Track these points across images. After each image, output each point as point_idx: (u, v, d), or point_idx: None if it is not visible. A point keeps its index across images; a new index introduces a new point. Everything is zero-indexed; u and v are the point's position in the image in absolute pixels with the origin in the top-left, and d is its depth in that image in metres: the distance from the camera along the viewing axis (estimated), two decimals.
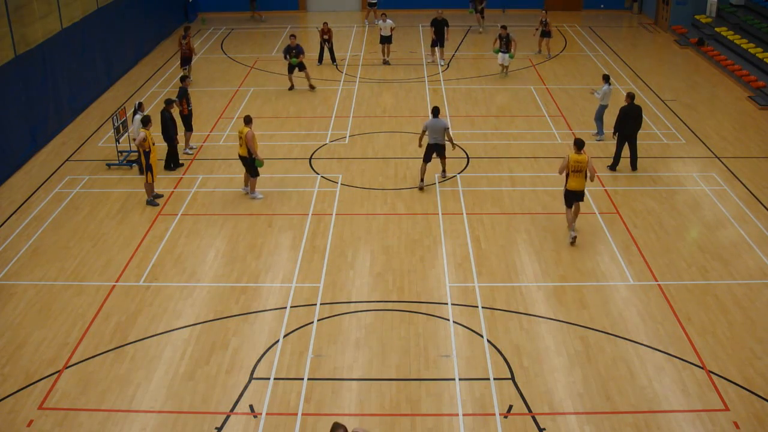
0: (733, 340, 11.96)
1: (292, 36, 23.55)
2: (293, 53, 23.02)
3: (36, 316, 12.75)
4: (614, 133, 17.82)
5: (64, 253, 14.67)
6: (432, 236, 15.04)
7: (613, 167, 17.83)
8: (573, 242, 14.56)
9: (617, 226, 15.37)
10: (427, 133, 16.72)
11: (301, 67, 23.37)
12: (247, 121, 16.14)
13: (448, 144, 16.93)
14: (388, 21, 26.57)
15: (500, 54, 24.51)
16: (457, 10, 32.54)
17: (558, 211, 16.00)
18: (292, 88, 23.85)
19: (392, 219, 15.77)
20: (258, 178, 16.55)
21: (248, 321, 12.52)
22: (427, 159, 16.88)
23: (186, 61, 24.64)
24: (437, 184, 17.24)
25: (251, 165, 16.23)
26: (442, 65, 26.19)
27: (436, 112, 16.79)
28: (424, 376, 11.19)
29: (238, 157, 16.71)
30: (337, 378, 11.19)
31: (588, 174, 14.43)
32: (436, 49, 26.45)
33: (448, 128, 16.68)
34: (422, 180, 16.90)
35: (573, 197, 14.62)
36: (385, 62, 26.72)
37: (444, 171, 17.38)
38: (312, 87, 23.75)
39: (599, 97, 19.24)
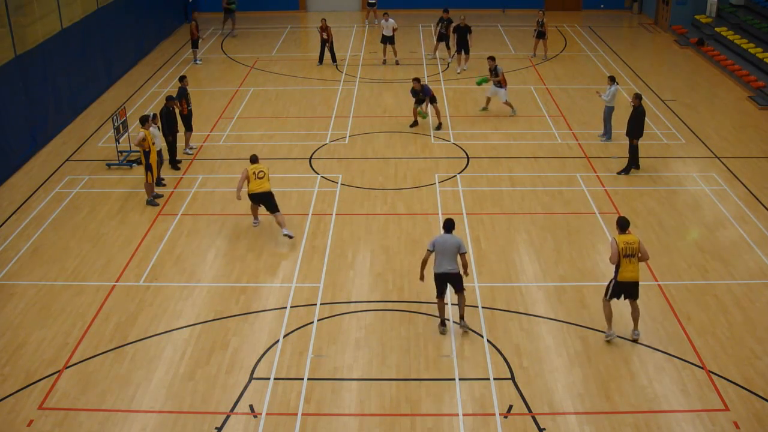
0: (733, 340, 11.96)
1: (415, 80, 20.33)
2: (419, 96, 20.25)
3: (36, 316, 12.75)
4: (634, 138, 17.23)
5: (64, 253, 14.67)
6: (432, 236, 15.00)
7: (627, 171, 17.67)
8: (636, 339, 11.85)
9: None
10: (434, 256, 11.91)
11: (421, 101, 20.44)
12: (255, 159, 15.11)
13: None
14: (390, 20, 26.15)
15: (492, 87, 21.34)
16: (459, 10, 32.51)
17: (558, 210, 16.00)
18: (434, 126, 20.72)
19: (392, 219, 15.77)
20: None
21: (248, 321, 12.52)
22: (441, 293, 12.00)
23: (192, 43, 26.86)
24: (437, 184, 17.23)
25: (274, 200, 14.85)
26: (465, 69, 25.70)
27: (449, 226, 11.93)
28: (424, 376, 11.19)
29: (253, 196, 14.79)
30: (337, 378, 11.19)
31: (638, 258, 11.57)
32: (461, 55, 25.72)
33: (464, 251, 11.81)
34: (443, 323, 12.12)
35: (625, 291, 11.62)
36: (384, 62, 26.62)
37: (462, 316, 12.09)
38: (439, 125, 20.62)
39: (606, 99, 19.10)
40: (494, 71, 21.05)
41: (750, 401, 10.66)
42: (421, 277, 12.14)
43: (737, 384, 10.98)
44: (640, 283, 11.74)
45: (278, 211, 14.81)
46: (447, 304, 12.38)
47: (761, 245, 14.69)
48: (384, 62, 26.72)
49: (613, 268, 11.73)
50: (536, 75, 25.38)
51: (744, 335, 12.07)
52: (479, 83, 21.85)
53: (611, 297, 11.68)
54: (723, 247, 14.65)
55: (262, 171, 14.67)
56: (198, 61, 27.06)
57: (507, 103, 21.30)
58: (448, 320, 12.29)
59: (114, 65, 25.04)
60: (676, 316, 12.53)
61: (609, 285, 11.69)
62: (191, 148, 19.26)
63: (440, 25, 26.45)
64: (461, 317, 12.06)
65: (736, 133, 20.28)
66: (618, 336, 11.83)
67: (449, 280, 11.87)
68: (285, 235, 14.68)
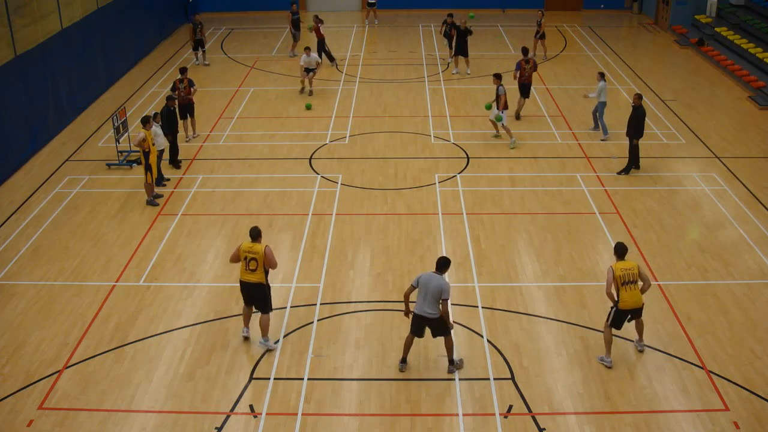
0: (733, 340, 11.96)
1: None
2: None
3: (36, 316, 12.75)
4: (634, 138, 17.18)
5: (64, 253, 14.67)
6: (432, 236, 15.04)
7: (627, 171, 17.68)
8: (642, 350, 11.62)
9: (617, 226, 15.36)
10: (417, 292, 10.89)
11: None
12: (257, 234, 11.54)
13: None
14: (313, 55, 23.04)
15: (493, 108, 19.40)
16: (459, 10, 32.52)
17: (558, 210, 16.00)
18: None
19: (392, 219, 15.77)
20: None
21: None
22: (416, 332, 11.05)
23: (194, 45, 26.64)
24: (437, 183, 17.23)
25: (267, 296, 11.66)
26: (469, 74, 25.09)
27: (441, 265, 10.84)
28: (424, 376, 11.18)
29: (242, 285, 11.69)
30: (337, 378, 11.19)
31: (641, 284, 11.10)
32: (460, 58, 25.15)
33: (446, 298, 10.71)
34: (404, 360, 11.26)
35: (628, 317, 11.24)
36: (309, 91, 23.36)
37: (451, 361, 11.20)
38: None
39: (596, 95, 19.19)
40: (496, 92, 18.92)
41: (750, 401, 10.66)
42: (406, 313, 11.11)
43: (737, 384, 10.98)
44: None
45: (268, 311, 11.69)
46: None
47: (761, 245, 14.69)
48: (310, 92, 23.32)
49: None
50: (536, 75, 25.34)
51: (744, 335, 12.07)
52: (488, 107, 19.69)
53: (613, 325, 11.22)
54: (723, 247, 14.65)
55: (254, 259, 11.34)
56: (196, 62, 26.88)
57: (504, 127, 19.19)
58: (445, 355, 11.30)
59: (114, 65, 25.03)
60: (676, 316, 12.53)
61: (610, 312, 11.23)
62: (195, 136, 19.47)
63: (444, 27, 26.36)
64: (450, 361, 11.17)
65: (736, 133, 20.28)
66: (618, 336, 11.81)
67: (428, 324, 10.82)
68: (262, 344, 11.80)
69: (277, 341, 11.93)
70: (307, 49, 23.13)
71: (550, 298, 13.05)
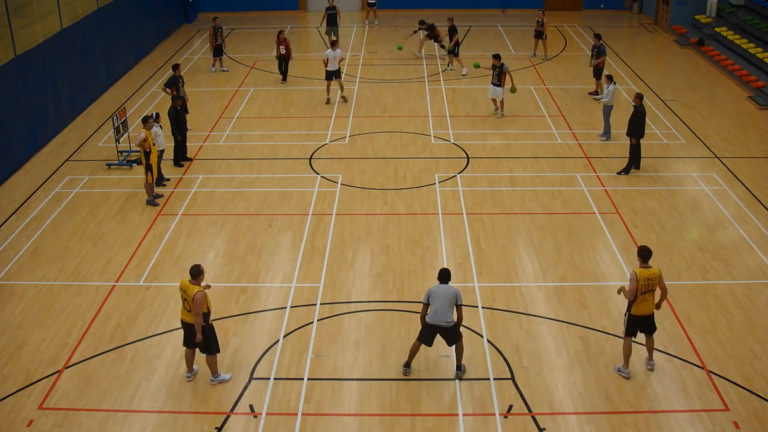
0: (733, 340, 11.96)
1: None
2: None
3: (36, 316, 12.75)
4: (635, 138, 17.21)
5: (64, 253, 14.67)
6: (432, 236, 15.04)
7: (627, 171, 17.68)
8: (652, 369, 11.28)
9: (617, 226, 15.37)
10: (430, 305, 10.81)
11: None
12: (196, 273, 10.63)
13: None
14: (338, 51, 21.99)
15: (491, 87, 21.03)
16: (459, 10, 32.52)
17: (558, 210, 16.00)
18: None
19: (392, 219, 15.77)
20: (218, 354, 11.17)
21: (248, 321, 12.52)
22: (424, 340, 11.03)
23: (214, 51, 25.84)
24: (437, 184, 17.24)
25: (208, 339, 10.78)
26: (464, 75, 25.04)
27: (444, 276, 10.91)
28: (424, 376, 11.18)
29: (181, 323, 11.01)
30: (337, 378, 11.19)
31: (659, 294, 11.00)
32: (453, 57, 25.35)
33: (461, 303, 10.82)
34: (408, 365, 11.21)
35: (641, 325, 11.00)
36: (328, 101, 22.47)
37: (459, 366, 11.14)
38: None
39: (606, 99, 19.10)
40: (498, 69, 20.61)
41: (750, 401, 10.66)
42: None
43: (737, 384, 10.99)
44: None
45: (211, 352, 10.85)
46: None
47: (761, 245, 14.69)
48: (328, 101, 22.52)
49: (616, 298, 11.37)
50: (536, 75, 25.38)
51: (744, 335, 12.07)
52: (476, 66, 23.30)
53: (628, 334, 11.01)
54: (723, 247, 14.65)
55: (187, 300, 10.56)
56: (214, 69, 26.07)
57: (498, 101, 21.30)
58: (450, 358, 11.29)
59: (114, 65, 25.03)
60: (676, 316, 12.53)
61: (624, 320, 11.06)
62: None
63: (429, 32, 26.41)
64: (458, 367, 11.12)
65: (736, 133, 20.28)
66: (619, 337, 11.80)
67: (441, 333, 10.84)
68: (214, 382, 11.05)
69: (229, 375, 11.18)
70: (333, 42, 22.59)
71: (550, 298, 13.06)
